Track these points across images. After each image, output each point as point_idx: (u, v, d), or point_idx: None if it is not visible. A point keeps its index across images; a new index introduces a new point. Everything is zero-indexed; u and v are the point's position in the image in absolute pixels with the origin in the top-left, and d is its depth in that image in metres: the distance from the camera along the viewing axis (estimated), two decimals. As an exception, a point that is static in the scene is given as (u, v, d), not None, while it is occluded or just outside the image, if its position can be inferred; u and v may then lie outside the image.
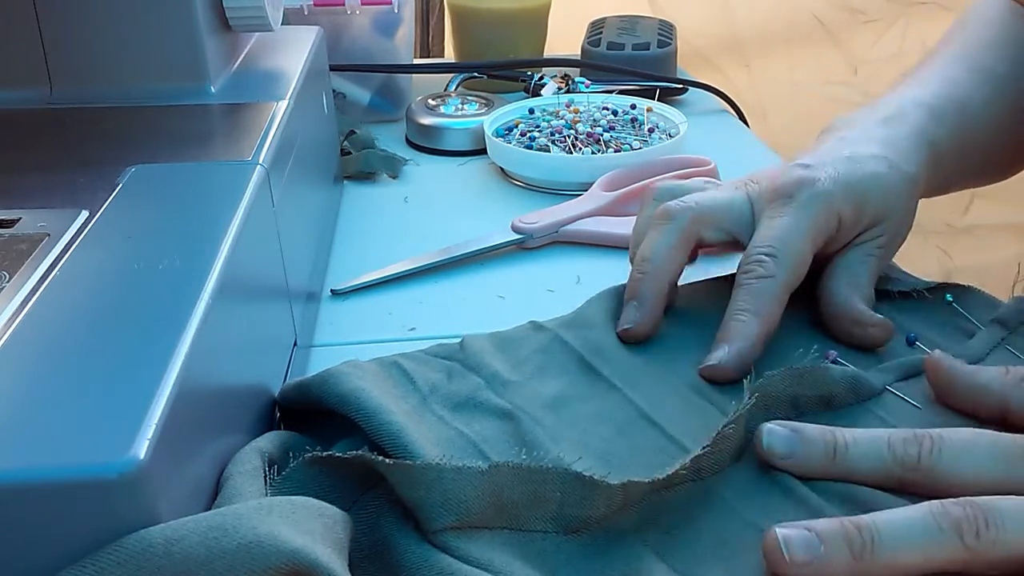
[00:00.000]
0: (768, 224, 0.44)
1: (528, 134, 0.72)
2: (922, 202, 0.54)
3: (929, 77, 0.54)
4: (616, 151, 0.69)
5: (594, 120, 0.74)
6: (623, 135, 0.72)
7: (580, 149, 0.70)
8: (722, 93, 0.85)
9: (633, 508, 0.34)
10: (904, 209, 0.46)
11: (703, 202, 0.46)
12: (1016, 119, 0.55)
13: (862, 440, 0.35)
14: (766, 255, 0.43)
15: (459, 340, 0.43)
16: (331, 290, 0.57)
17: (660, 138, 0.72)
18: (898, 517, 0.32)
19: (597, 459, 0.36)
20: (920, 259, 0.50)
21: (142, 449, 0.25)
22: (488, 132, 0.72)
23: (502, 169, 0.72)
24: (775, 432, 0.36)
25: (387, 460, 0.32)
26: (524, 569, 0.31)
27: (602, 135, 0.71)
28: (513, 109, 0.76)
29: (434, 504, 0.31)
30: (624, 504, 0.34)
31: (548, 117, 0.75)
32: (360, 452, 0.32)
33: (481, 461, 0.33)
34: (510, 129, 0.74)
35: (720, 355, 0.41)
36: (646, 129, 0.73)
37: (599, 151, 0.69)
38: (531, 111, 0.76)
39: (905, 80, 0.54)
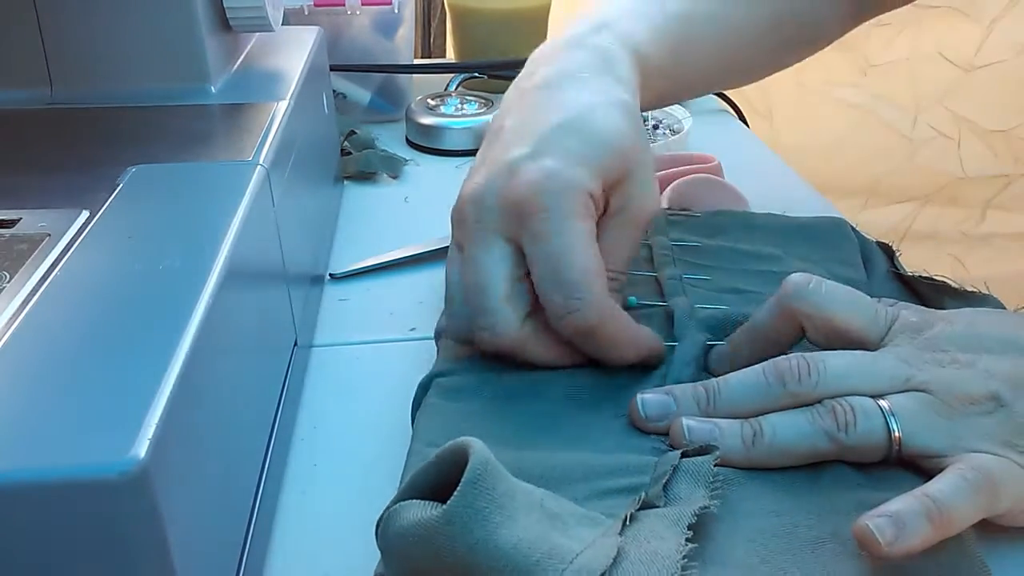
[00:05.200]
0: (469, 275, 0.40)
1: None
2: (936, 210, 0.53)
3: None
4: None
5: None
6: None
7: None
8: (722, 93, 0.85)
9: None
10: (640, 155, 0.42)
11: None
12: (763, 28, 0.55)
13: (733, 378, 0.38)
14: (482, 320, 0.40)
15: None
16: (330, 274, 0.57)
17: (664, 134, 0.72)
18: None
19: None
20: (933, 268, 0.49)
21: (142, 449, 0.25)
22: (491, 130, 0.72)
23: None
24: (648, 399, 0.38)
25: None
26: None
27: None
28: (514, 108, 0.76)
29: None
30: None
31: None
32: None
33: None
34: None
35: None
36: (651, 125, 0.73)
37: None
38: (532, 110, 0.76)
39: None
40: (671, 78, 0.50)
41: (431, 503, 0.30)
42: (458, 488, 0.29)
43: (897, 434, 0.35)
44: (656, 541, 0.31)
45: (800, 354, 0.38)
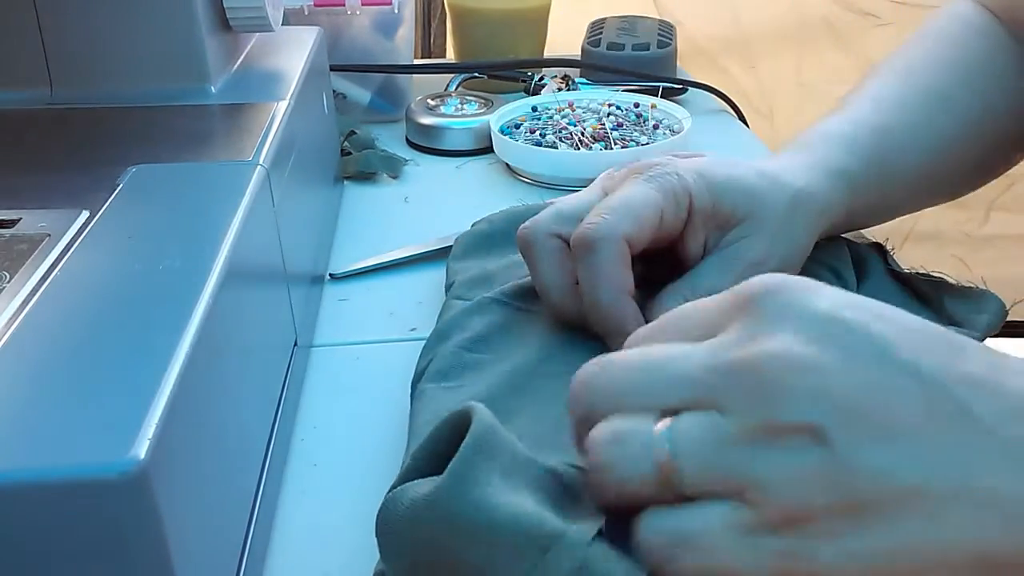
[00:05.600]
0: (611, 195, 0.43)
1: (537, 131, 0.72)
2: (939, 211, 0.52)
3: (863, 99, 0.52)
4: (623, 147, 0.69)
5: (599, 117, 0.74)
6: (629, 132, 0.72)
7: (588, 146, 0.70)
8: (721, 93, 0.85)
9: None
10: (780, 218, 0.44)
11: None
12: (969, 138, 0.53)
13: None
14: (601, 215, 0.41)
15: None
16: (330, 274, 0.57)
17: (664, 134, 0.72)
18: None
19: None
20: (937, 268, 0.49)
21: (142, 449, 0.25)
22: (495, 129, 0.72)
23: (507, 167, 0.72)
24: None
25: None
26: None
27: (610, 132, 0.71)
28: (517, 107, 0.76)
29: None
30: None
31: (551, 114, 0.75)
32: None
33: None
34: (515, 127, 0.74)
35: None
36: (651, 125, 0.73)
37: (606, 148, 0.70)
38: (534, 108, 0.76)
39: (847, 97, 0.53)
40: (875, 192, 0.49)
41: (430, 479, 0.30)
42: (458, 452, 0.29)
43: (668, 465, 0.27)
44: None
45: (591, 361, 0.31)
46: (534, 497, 0.30)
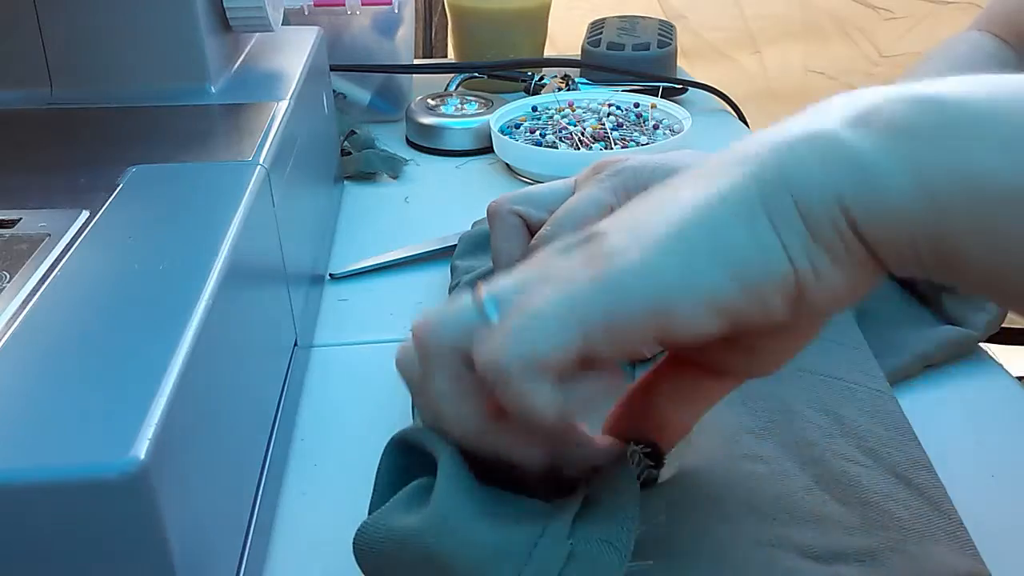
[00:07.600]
0: (565, 204, 0.44)
1: (537, 131, 0.72)
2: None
3: None
4: (623, 147, 0.69)
5: (599, 117, 0.74)
6: (629, 132, 0.72)
7: (588, 146, 0.70)
8: (721, 93, 0.85)
9: None
10: None
11: (527, 193, 0.45)
12: None
13: None
14: (547, 227, 0.42)
15: None
16: (330, 274, 0.58)
17: (664, 134, 0.72)
18: None
19: None
20: None
21: (142, 449, 0.25)
22: (495, 129, 0.72)
23: (507, 167, 0.72)
24: None
25: None
26: None
27: (610, 132, 0.71)
28: (517, 107, 0.76)
29: None
30: None
31: (551, 114, 0.75)
32: None
33: None
34: (515, 127, 0.74)
35: None
36: (651, 125, 0.73)
37: (606, 148, 0.70)
38: (534, 108, 0.76)
39: None
40: None
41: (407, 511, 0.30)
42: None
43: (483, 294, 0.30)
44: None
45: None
46: (509, 526, 0.30)
